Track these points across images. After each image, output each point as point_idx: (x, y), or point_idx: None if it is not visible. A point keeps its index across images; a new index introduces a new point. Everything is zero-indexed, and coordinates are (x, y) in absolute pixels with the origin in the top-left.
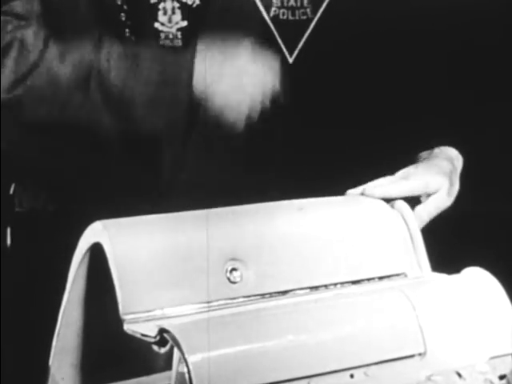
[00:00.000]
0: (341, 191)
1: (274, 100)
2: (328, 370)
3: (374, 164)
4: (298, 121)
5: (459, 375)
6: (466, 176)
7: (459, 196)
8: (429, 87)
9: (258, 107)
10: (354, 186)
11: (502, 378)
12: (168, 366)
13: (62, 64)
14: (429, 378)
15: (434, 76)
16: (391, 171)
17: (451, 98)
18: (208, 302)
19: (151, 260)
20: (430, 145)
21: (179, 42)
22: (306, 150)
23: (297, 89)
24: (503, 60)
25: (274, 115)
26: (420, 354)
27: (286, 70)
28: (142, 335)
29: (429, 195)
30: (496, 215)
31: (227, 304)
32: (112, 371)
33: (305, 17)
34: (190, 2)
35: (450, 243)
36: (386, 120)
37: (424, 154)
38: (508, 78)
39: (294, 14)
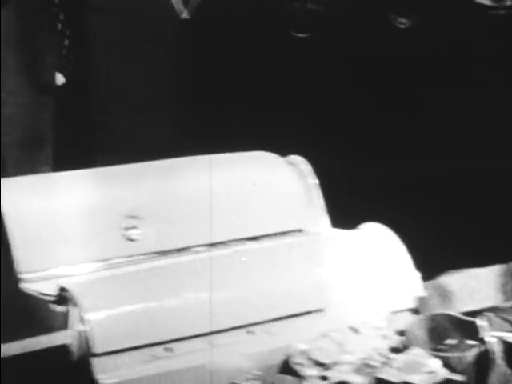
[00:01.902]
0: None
1: None
2: (227, 326)
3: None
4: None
5: (356, 331)
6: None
7: (359, 155)
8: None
9: None
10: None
11: (401, 334)
12: (66, 324)
13: None
14: (326, 334)
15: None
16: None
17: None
18: (106, 260)
19: (48, 218)
20: None
21: None
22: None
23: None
24: None
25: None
26: (320, 310)
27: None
28: (41, 294)
29: None
30: (395, 174)
31: (126, 262)
32: (10, 331)
33: None
34: None
35: (348, 198)
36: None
37: None
38: None
39: None
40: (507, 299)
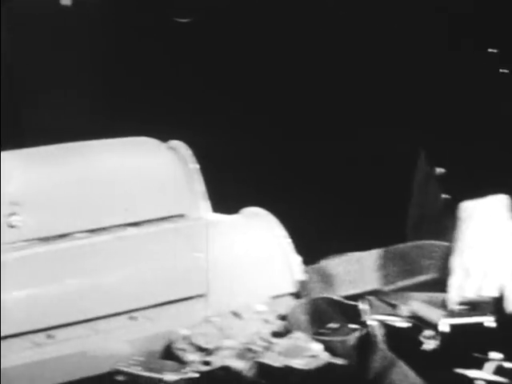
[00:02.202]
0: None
1: None
2: (109, 312)
3: None
4: None
5: (238, 315)
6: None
7: (241, 140)
8: None
9: None
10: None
11: (283, 318)
12: None
13: None
14: (208, 319)
15: None
16: None
17: None
18: None
19: None
20: None
21: None
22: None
23: None
24: None
25: None
26: (201, 295)
27: None
28: None
29: None
30: (276, 159)
31: (7, 249)
32: None
33: None
34: None
35: (230, 183)
36: None
37: None
38: None
39: None
40: (388, 282)
